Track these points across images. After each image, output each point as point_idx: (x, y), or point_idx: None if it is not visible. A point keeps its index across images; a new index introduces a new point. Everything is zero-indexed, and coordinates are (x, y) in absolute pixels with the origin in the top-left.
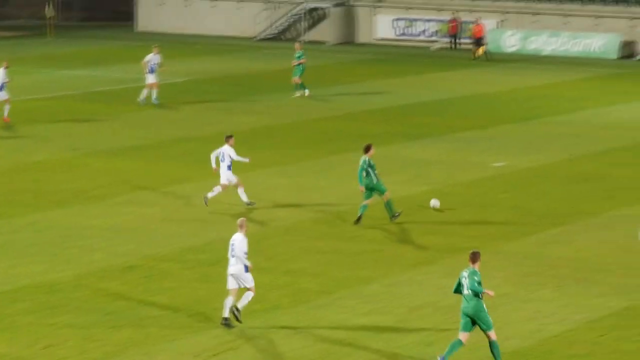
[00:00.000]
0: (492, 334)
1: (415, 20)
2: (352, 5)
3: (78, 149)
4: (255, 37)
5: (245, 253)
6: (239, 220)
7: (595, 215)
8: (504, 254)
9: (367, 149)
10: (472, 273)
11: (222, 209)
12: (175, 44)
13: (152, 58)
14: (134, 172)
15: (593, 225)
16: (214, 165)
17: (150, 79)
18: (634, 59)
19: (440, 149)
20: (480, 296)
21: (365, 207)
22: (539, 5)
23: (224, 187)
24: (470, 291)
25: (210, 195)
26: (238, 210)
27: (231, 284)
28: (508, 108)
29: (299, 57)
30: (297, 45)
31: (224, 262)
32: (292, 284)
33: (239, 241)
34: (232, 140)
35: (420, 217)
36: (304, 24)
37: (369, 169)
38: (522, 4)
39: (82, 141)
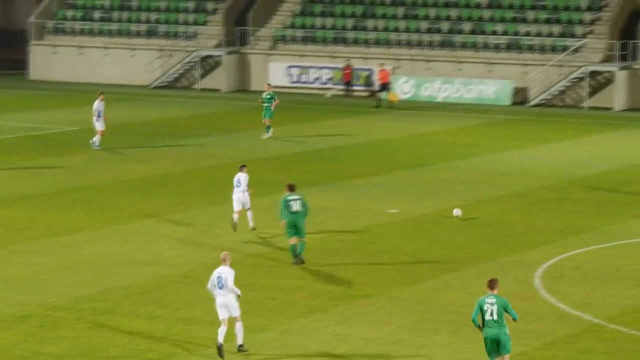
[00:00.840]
0: (508, 357)
1: (309, 67)
2: (246, 53)
3: None
4: (149, 85)
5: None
6: (223, 255)
7: (488, 261)
8: (398, 300)
9: (290, 187)
10: (501, 299)
11: (117, 259)
12: (69, 93)
13: (99, 105)
14: (28, 221)
15: (487, 271)
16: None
17: (98, 125)
18: (526, 105)
19: (335, 195)
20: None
21: (294, 246)
22: (432, 52)
23: (238, 212)
24: (497, 317)
25: (251, 224)
26: (135, 260)
27: (222, 314)
28: (402, 155)
29: (269, 99)
30: (266, 86)
31: (118, 310)
32: (187, 332)
33: (227, 273)
34: (245, 170)
35: (313, 264)
36: (197, 72)
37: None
38: (414, 51)
39: None
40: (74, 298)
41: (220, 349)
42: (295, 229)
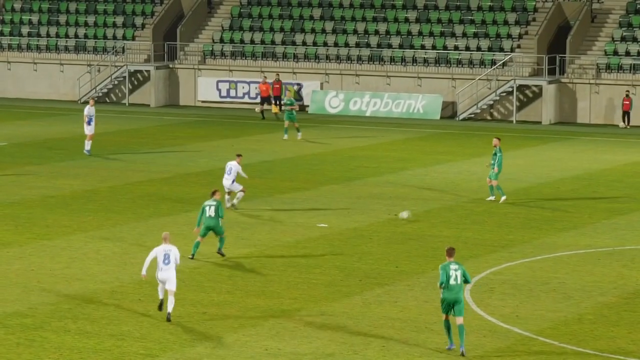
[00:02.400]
0: (462, 319)
1: (238, 82)
2: (175, 68)
3: None
4: (77, 100)
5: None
6: (164, 234)
7: (418, 275)
8: (328, 314)
9: (213, 193)
10: (461, 265)
11: (45, 275)
12: None
13: (89, 110)
14: None
15: (416, 285)
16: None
17: (88, 130)
18: (455, 119)
19: (265, 210)
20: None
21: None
22: (361, 67)
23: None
24: (460, 281)
25: (236, 202)
26: (64, 275)
27: (161, 289)
28: (331, 169)
29: (290, 103)
30: (287, 93)
31: (47, 326)
32: (118, 347)
33: (174, 250)
34: (240, 159)
35: (243, 278)
36: (126, 87)
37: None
38: (343, 65)
39: None
40: (1, 314)
41: (161, 305)
42: (208, 230)
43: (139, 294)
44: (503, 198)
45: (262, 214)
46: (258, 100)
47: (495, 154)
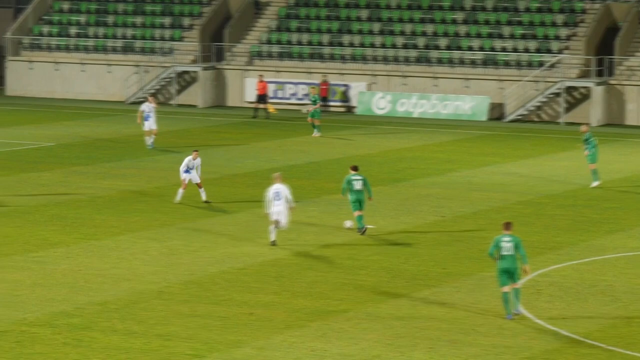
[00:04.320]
0: (518, 284)
1: (285, 83)
2: (222, 68)
3: None
4: (125, 101)
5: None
6: (275, 174)
7: (465, 277)
8: (375, 315)
9: (354, 168)
10: (516, 238)
11: (93, 275)
12: (45, 108)
13: (147, 107)
14: (3, 237)
15: (463, 287)
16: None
17: (147, 126)
18: (502, 120)
19: (312, 212)
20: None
21: (360, 217)
22: (408, 68)
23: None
24: (513, 252)
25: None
26: (112, 275)
27: (274, 217)
28: (379, 170)
29: (314, 102)
30: (312, 90)
31: (94, 326)
32: (165, 347)
33: (283, 188)
34: (196, 154)
35: (290, 279)
36: (174, 88)
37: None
38: (390, 67)
39: None
40: (50, 314)
41: (273, 243)
42: (358, 203)
43: (186, 295)
44: (595, 183)
45: (308, 216)
46: (306, 101)
47: (586, 140)
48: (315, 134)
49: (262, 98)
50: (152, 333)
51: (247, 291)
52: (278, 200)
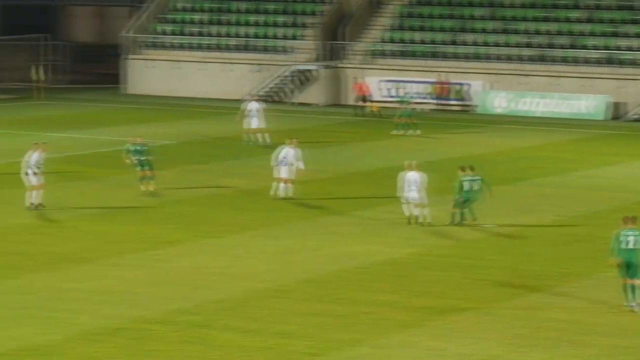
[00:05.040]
0: (638, 281)
1: (404, 82)
2: (341, 67)
3: (65, 209)
4: (242, 99)
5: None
6: (409, 162)
7: (585, 277)
8: (494, 315)
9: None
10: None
11: (210, 273)
12: (164, 107)
13: (252, 105)
14: (121, 234)
15: (583, 287)
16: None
17: (254, 124)
18: (622, 120)
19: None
20: None
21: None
22: (528, 67)
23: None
24: (633, 246)
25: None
26: (228, 274)
27: (405, 207)
28: (497, 169)
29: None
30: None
31: (212, 324)
32: (283, 346)
33: (417, 177)
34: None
35: (408, 279)
36: (292, 86)
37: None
38: (511, 66)
39: (69, 203)
40: (167, 311)
41: (409, 220)
42: (467, 202)
43: (303, 293)
44: None
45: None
46: (426, 100)
47: None
48: (399, 132)
49: (364, 99)
50: (269, 331)
51: (364, 290)
52: (414, 187)
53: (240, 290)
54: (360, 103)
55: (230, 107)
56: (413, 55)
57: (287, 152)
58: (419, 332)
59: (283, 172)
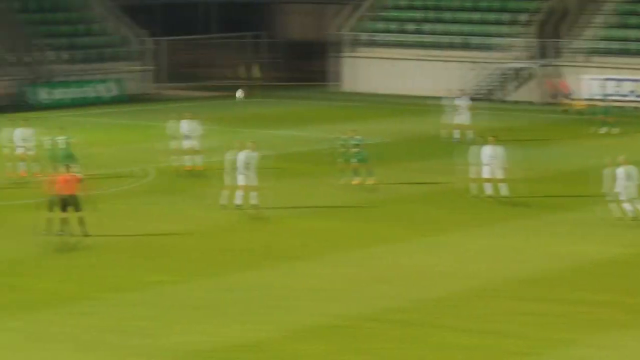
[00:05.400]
0: None
1: (623, 80)
2: (558, 65)
3: (279, 208)
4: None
5: None
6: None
7: None
8: None
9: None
10: None
11: (428, 272)
12: (381, 104)
13: (460, 101)
14: (339, 231)
15: None
16: None
17: (458, 119)
18: None
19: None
20: None
21: None
22: None
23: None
24: None
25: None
26: (446, 272)
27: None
28: None
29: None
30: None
31: (429, 323)
32: (499, 345)
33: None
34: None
35: (627, 278)
36: (506, 84)
37: None
38: None
39: (286, 201)
40: (385, 309)
41: None
42: None
43: (520, 292)
44: None
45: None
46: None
47: None
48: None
49: (566, 96)
50: (486, 330)
51: (582, 289)
52: (629, 182)
53: (456, 289)
54: (563, 100)
55: (447, 105)
56: (628, 52)
57: (489, 150)
58: (636, 334)
59: (485, 172)
